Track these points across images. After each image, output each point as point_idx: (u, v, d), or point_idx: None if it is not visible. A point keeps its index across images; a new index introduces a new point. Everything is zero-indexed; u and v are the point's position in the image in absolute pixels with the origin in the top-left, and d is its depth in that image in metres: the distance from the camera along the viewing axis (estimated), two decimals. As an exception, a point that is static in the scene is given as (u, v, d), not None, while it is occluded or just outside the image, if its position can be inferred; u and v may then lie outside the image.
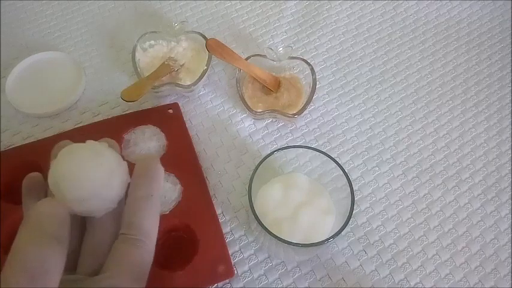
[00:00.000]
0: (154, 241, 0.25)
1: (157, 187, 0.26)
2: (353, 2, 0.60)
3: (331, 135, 0.49)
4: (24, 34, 0.56)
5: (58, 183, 0.24)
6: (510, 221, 0.44)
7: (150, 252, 0.25)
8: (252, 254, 0.41)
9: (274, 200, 0.40)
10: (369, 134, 0.49)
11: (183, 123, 0.47)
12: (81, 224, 0.26)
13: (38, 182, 0.26)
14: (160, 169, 0.27)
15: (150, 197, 0.25)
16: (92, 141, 0.26)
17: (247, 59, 0.50)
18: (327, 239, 0.35)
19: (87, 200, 0.24)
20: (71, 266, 0.25)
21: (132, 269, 0.24)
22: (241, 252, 0.41)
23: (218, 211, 0.43)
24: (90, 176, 0.24)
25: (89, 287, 0.23)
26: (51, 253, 0.21)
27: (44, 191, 0.26)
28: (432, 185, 0.46)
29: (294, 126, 0.49)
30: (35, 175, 0.26)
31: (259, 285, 0.40)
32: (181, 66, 0.51)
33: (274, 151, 0.39)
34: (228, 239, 0.42)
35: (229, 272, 0.38)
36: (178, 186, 0.42)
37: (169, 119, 0.47)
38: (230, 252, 0.40)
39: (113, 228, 0.25)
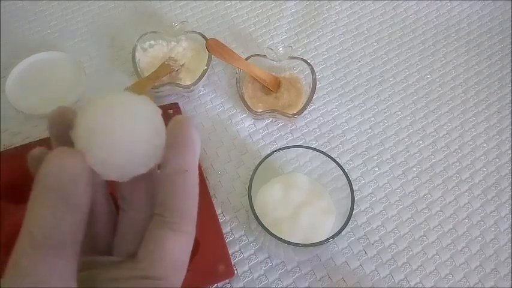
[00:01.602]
0: (194, 222, 0.22)
1: (191, 159, 0.21)
2: (353, 2, 0.60)
3: (331, 135, 0.49)
4: (24, 34, 0.56)
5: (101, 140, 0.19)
6: (510, 221, 0.44)
7: (191, 235, 0.22)
8: (252, 254, 0.41)
9: (274, 200, 0.40)
10: (369, 134, 0.49)
11: (183, 123, 0.47)
12: (114, 202, 0.23)
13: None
14: (195, 135, 0.22)
15: (184, 172, 0.21)
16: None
17: (247, 59, 0.50)
18: (327, 239, 0.35)
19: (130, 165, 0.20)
20: (109, 247, 0.23)
21: (169, 258, 0.21)
22: (241, 252, 0.41)
23: (218, 211, 0.43)
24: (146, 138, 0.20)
25: (120, 275, 0.21)
26: (57, 221, 0.18)
27: None
28: (432, 185, 0.46)
29: (294, 126, 0.49)
30: (39, 150, 0.21)
31: (259, 285, 0.40)
32: (181, 66, 0.51)
33: (274, 151, 0.39)
34: (228, 239, 0.42)
35: (229, 272, 0.38)
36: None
37: (169, 119, 0.47)
38: (230, 252, 0.40)
39: (148, 205, 0.22)
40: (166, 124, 0.23)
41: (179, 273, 0.22)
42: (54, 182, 0.18)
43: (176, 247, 0.22)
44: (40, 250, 0.18)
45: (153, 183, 0.22)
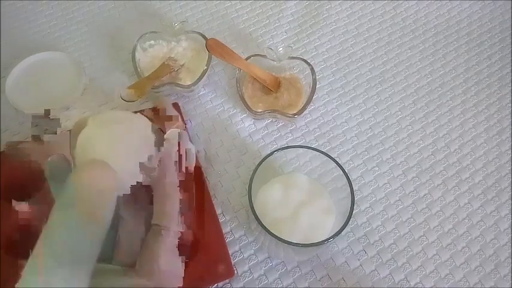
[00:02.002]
0: (190, 231, 0.24)
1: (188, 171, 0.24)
2: (353, 2, 0.60)
3: (331, 135, 0.49)
4: (24, 34, 0.56)
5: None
6: (510, 221, 0.44)
7: (174, 234, 0.24)
8: (252, 254, 0.41)
9: (274, 200, 0.40)
10: (369, 134, 0.49)
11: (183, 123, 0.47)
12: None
13: (62, 164, 0.23)
14: (191, 150, 0.25)
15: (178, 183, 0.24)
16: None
17: (247, 59, 0.50)
18: (327, 239, 0.35)
19: (133, 174, 0.21)
20: (109, 255, 0.23)
21: (168, 265, 0.23)
22: (241, 252, 0.41)
23: (218, 211, 0.43)
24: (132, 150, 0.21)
25: (121, 284, 0.22)
26: (81, 235, 0.18)
27: (69, 172, 0.23)
28: (432, 185, 0.46)
29: (294, 126, 0.49)
30: (58, 157, 0.23)
31: (259, 285, 0.40)
32: (181, 66, 0.51)
33: (274, 151, 0.39)
34: (228, 239, 0.42)
35: (229, 272, 0.38)
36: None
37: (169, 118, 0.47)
38: (230, 252, 0.40)
39: (143, 217, 0.24)
40: (164, 127, 0.26)
41: (178, 280, 0.23)
42: (84, 195, 0.19)
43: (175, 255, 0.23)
44: (59, 264, 0.18)
45: (148, 196, 0.24)
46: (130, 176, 0.21)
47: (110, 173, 0.19)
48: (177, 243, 0.23)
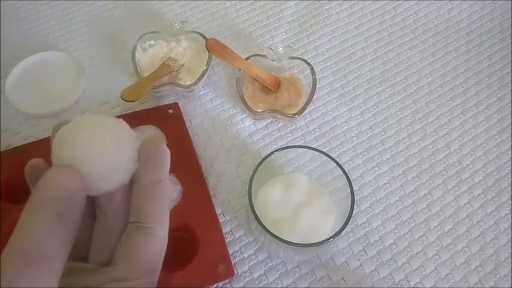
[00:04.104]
0: (167, 228, 0.24)
1: (164, 171, 0.24)
2: (353, 2, 0.60)
3: (331, 135, 0.49)
4: (24, 34, 0.56)
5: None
6: (510, 221, 0.44)
7: (163, 240, 0.24)
8: (252, 254, 0.41)
9: (274, 200, 0.40)
10: (369, 134, 0.49)
11: (183, 123, 0.47)
12: (92, 210, 0.24)
13: (41, 169, 0.23)
14: (166, 151, 0.25)
15: (158, 182, 0.24)
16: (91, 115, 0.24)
17: (247, 59, 0.50)
18: (327, 239, 0.35)
19: (104, 177, 0.21)
20: (85, 254, 0.24)
21: (143, 260, 0.22)
22: (241, 252, 0.41)
23: (218, 211, 0.43)
24: (100, 151, 0.21)
25: (96, 280, 0.21)
26: (50, 235, 0.19)
27: None
28: (432, 185, 0.46)
29: (294, 126, 0.49)
30: (35, 162, 0.23)
31: (259, 285, 0.40)
32: (181, 66, 0.51)
33: (274, 151, 0.39)
34: (228, 239, 0.42)
35: (229, 272, 0.38)
36: (178, 186, 0.42)
37: (169, 119, 0.47)
38: (230, 252, 0.40)
39: (124, 214, 0.24)
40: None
41: (154, 275, 0.23)
42: (52, 196, 0.19)
43: (151, 250, 0.23)
44: (27, 263, 0.18)
45: (129, 194, 0.23)
46: (108, 175, 0.22)
47: (76, 175, 0.20)
48: (156, 241, 0.23)
